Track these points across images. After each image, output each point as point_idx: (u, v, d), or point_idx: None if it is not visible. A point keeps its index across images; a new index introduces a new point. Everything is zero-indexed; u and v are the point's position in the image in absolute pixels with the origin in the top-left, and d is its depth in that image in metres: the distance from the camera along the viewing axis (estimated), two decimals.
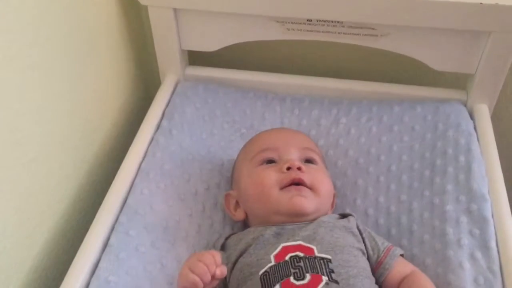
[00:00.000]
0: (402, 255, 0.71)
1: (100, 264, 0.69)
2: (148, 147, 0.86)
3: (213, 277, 0.62)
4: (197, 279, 0.61)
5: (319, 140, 0.92)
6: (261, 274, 0.63)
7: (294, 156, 0.76)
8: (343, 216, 0.75)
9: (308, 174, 0.73)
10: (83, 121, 0.84)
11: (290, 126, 0.93)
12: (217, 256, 0.64)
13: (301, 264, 0.63)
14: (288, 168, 0.73)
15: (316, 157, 0.79)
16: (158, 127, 0.90)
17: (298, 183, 0.72)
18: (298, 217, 0.71)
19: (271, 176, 0.73)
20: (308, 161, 0.77)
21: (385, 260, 0.69)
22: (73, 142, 0.82)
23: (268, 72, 1.00)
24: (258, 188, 0.74)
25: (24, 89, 0.68)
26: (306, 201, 0.71)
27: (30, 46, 0.68)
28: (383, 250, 0.70)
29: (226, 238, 0.73)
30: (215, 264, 0.63)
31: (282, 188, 0.72)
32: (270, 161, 0.76)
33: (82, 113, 0.84)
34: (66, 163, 0.80)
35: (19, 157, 0.68)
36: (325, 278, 0.61)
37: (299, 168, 0.73)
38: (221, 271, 0.63)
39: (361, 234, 0.72)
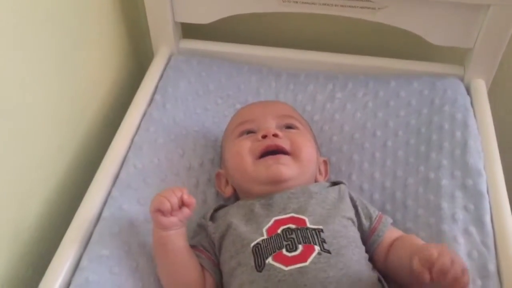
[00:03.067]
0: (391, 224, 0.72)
1: (93, 239, 0.68)
2: (141, 121, 0.85)
3: (182, 203, 0.65)
4: (162, 198, 0.63)
5: (315, 115, 0.91)
6: (253, 246, 0.63)
7: (271, 124, 0.76)
8: (334, 184, 0.74)
9: (286, 140, 0.73)
10: (74, 95, 0.83)
11: (285, 101, 0.92)
12: (185, 188, 0.66)
13: (293, 236, 0.63)
14: (264, 136, 0.73)
15: (296, 122, 0.78)
16: (151, 101, 0.89)
17: (275, 150, 0.72)
18: (279, 185, 0.70)
19: (247, 145, 0.73)
20: (288, 127, 0.77)
21: (379, 227, 0.69)
22: (64, 116, 0.80)
23: (263, 46, 0.99)
24: (235, 158, 0.74)
25: (12, 65, 0.66)
26: (285, 168, 0.70)
27: (17, 21, 0.66)
28: (376, 218, 0.70)
29: (215, 210, 0.73)
30: (181, 191, 0.65)
31: (259, 157, 0.72)
32: (250, 132, 0.76)
33: (73, 86, 0.82)
34: (58, 137, 0.79)
35: (9, 131, 0.67)
36: (317, 248, 0.61)
37: (275, 135, 0.73)
38: (189, 196, 0.65)
39: (353, 202, 0.72)
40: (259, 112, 0.79)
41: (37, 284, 0.62)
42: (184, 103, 0.90)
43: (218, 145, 0.86)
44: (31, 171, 0.73)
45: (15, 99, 0.67)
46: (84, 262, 0.65)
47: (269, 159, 0.71)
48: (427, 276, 0.53)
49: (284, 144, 0.72)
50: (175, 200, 0.64)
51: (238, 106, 0.91)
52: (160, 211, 0.64)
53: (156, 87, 0.92)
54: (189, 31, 1.01)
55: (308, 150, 0.74)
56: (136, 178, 0.77)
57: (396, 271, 0.66)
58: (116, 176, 0.77)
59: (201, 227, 0.72)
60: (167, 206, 0.63)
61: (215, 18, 0.94)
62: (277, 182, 0.71)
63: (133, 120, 0.85)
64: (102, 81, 0.92)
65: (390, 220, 0.71)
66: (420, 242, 0.67)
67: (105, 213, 0.71)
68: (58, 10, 0.75)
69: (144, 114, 0.86)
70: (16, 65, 0.67)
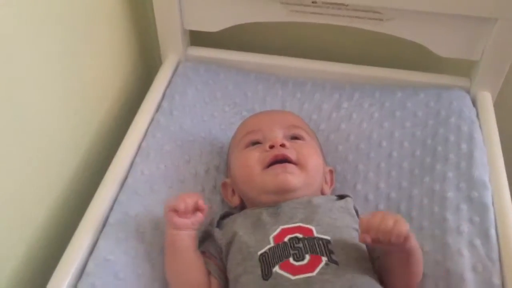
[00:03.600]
0: None
1: (99, 243, 0.68)
2: (148, 127, 0.86)
3: (196, 208, 0.67)
4: (179, 198, 0.66)
5: (320, 124, 0.91)
6: (260, 255, 0.63)
7: (278, 134, 0.76)
8: (340, 197, 0.75)
9: (293, 150, 0.73)
10: (82, 101, 0.83)
11: (291, 110, 0.92)
12: (201, 195, 0.69)
13: (300, 245, 0.63)
14: (272, 147, 0.73)
15: (302, 133, 0.78)
16: (158, 107, 0.90)
17: (282, 160, 0.72)
18: (286, 194, 0.71)
19: (254, 156, 0.74)
20: (295, 138, 0.77)
21: None
22: (72, 121, 0.81)
23: (270, 54, 0.99)
24: (243, 170, 0.74)
25: (20, 69, 0.66)
26: (292, 177, 0.71)
27: (26, 24, 0.66)
28: None
29: (222, 217, 0.74)
30: (197, 196, 0.67)
31: (266, 167, 0.72)
32: (256, 143, 0.76)
33: (81, 92, 0.82)
34: (65, 142, 0.79)
35: (16, 137, 0.67)
36: (324, 259, 0.61)
37: (282, 145, 0.73)
38: (203, 203, 0.67)
39: (357, 214, 0.72)
40: (266, 122, 0.79)
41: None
42: (191, 110, 0.91)
43: (225, 152, 0.86)
44: (38, 175, 0.73)
45: (22, 103, 0.68)
46: (90, 266, 0.65)
47: (277, 168, 0.71)
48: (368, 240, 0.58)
49: (291, 154, 0.73)
50: (190, 203, 0.67)
51: (245, 114, 0.92)
52: (175, 210, 0.66)
53: (164, 94, 0.92)
54: (197, 38, 1.01)
55: (314, 161, 0.75)
56: (143, 184, 0.77)
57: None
58: (123, 182, 0.77)
59: (208, 234, 0.72)
60: (182, 206, 0.66)
61: (224, 26, 0.94)
62: (284, 191, 0.71)
63: (140, 126, 0.85)
64: (110, 87, 0.93)
65: None
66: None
67: (112, 219, 0.71)
68: (68, 16, 0.76)
69: (152, 121, 0.87)
70: (23, 70, 0.68)
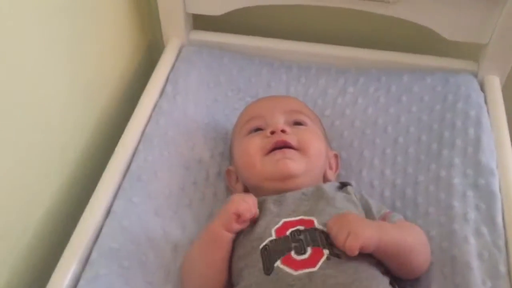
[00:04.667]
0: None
1: (103, 231, 0.68)
2: (151, 113, 0.85)
3: (252, 218, 0.66)
4: (248, 207, 0.64)
5: (326, 110, 0.90)
6: (262, 248, 0.63)
7: (279, 120, 0.76)
8: (343, 184, 0.74)
9: (294, 135, 0.73)
10: (84, 86, 0.82)
11: (296, 95, 0.91)
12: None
13: (302, 237, 0.62)
14: (273, 132, 0.73)
15: (305, 118, 0.78)
16: (162, 92, 0.89)
17: (283, 146, 0.71)
18: (288, 180, 0.70)
19: (256, 143, 0.73)
20: (298, 123, 0.76)
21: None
22: (75, 107, 0.80)
23: (274, 38, 0.98)
24: (244, 157, 0.74)
25: (23, 54, 0.65)
26: (292, 163, 0.70)
27: (30, 10, 0.65)
28: (379, 218, 0.69)
29: None
30: (256, 209, 0.66)
31: (267, 153, 0.72)
32: (258, 130, 0.76)
33: (83, 77, 0.82)
34: (68, 129, 0.79)
35: (18, 124, 0.67)
36: (326, 252, 0.60)
37: (283, 131, 0.73)
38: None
39: (362, 201, 0.71)
40: (268, 108, 0.78)
41: (48, 278, 0.63)
42: (194, 95, 0.90)
43: (228, 138, 0.86)
44: (42, 164, 0.73)
45: (26, 90, 0.67)
46: (94, 255, 0.65)
47: (277, 154, 0.71)
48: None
49: (292, 140, 0.72)
50: (252, 214, 0.65)
51: (249, 100, 0.91)
52: (238, 215, 0.64)
53: (167, 78, 0.91)
54: (200, 22, 1.00)
55: (316, 146, 0.74)
56: (147, 170, 0.77)
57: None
58: (127, 168, 0.77)
59: None
60: (247, 216, 0.64)
61: (227, 9, 0.93)
62: (285, 178, 0.70)
63: (144, 112, 0.84)
64: (112, 72, 0.92)
65: (398, 216, 0.70)
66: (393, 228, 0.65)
67: (115, 206, 0.71)
68: (73, 2, 0.75)
69: (155, 106, 0.86)
70: (29, 56, 0.67)
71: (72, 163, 0.81)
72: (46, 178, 0.74)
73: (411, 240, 0.65)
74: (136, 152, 0.79)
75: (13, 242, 0.68)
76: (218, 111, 0.90)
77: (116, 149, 0.78)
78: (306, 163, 0.72)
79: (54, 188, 0.76)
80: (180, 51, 0.97)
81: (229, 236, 0.65)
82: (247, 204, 0.65)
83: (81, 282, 0.62)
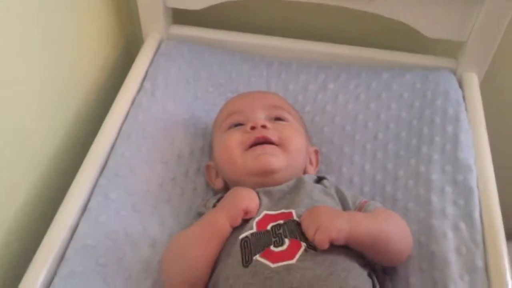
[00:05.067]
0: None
1: (79, 228, 0.67)
2: (129, 108, 0.83)
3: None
4: (255, 205, 0.65)
5: (306, 106, 0.90)
6: (241, 239, 0.62)
7: (260, 115, 0.75)
8: (319, 178, 0.74)
9: (275, 131, 0.73)
10: (61, 81, 0.81)
11: (276, 91, 0.91)
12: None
13: (281, 230, 0.62)
14: (253, 128, 0.72)
15: (285, 114, 0.77)
16: (140, 87, 0.87)
17: (263, 141, 0.71)
18: (268, 176, 0.70)
19: (236, 138, 0.73)
20: (278, 119, 0.76)
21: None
22: (51, 102, 0.78)
23: (255, 33, 0.97)
24: (224, 152, 0.73)
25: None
26: (273, 158, 0.70)
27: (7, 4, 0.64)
28: (356, 209, 0.69)
29: (218, 200, 0.72)
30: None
31: (248, 148, 0.71)
32: (239, 125, 0.75)
33: (59, 73, 0.80)
34: (45, 124, 0.77)
35: None
36: (303, 244, 0.60)
37: (264, 126, 0.72)
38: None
39: (338, 195, 0.71)
40: (248, 103, 0.78)
41: (22, 274, 0.61)
42: (174, 91, 0.89)
43: (208, 133, 0.85)
44: (16, 158, 0.71)
45: (1, 85, 0.66)
46: (69, 252, 0.64)
47: (257, 149, 0.71)
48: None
49: (272, 135, 0.72)
50: (254, 214, 0.65)
51: (229, 95, 0.90)
52: (246, 212, 0.64)
53: (146, 73, 0.90)
54: (180, 16, 0.99)
55: (296, 142, 0.74)
56: (124, 166, 0.75)
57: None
58: (104, 164, 0.75)
59: (201, 216, 0.70)
60: (253, 214, 0.65)
61: (207, 4, 0.92)
62: (266, 173, 0.70)
63: (122, 107, 0.83)
64: (90, 67, 0.90)
65: (375, 205, 0.69)
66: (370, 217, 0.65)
67: (92, 203, 0.70)
68: None
69: (133, 102, 0.84)
70: (2, 51, 0.65)
71: (49, 159, 0.79)
72: (21, 174, 0.73)
73: (388, 228, 0.64)
74: (113, 148, 0.77)
75: None
76: (198, 107, 0.89)
77: (93, 145, 0.77)
78: (286, 159, 0.71)
79: (30, 184, 0.75)
80: (159, 46, 0.96)
81: (230, 230, 0.65)
82: (255, 203, 0.65)
83: (56, 280, 0.61)
